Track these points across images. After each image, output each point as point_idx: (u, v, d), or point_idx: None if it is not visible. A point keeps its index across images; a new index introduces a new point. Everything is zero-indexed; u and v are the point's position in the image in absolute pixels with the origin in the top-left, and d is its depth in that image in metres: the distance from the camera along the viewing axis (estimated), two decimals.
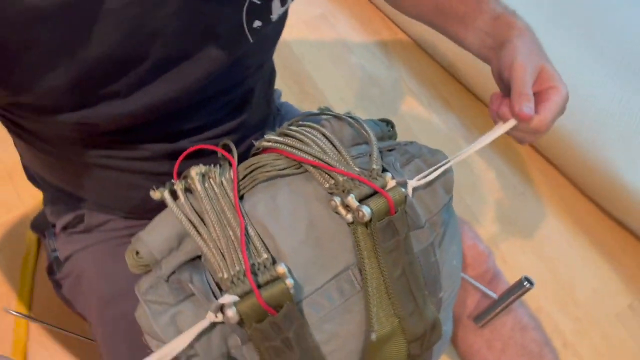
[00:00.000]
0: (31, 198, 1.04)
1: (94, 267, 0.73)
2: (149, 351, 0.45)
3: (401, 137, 0.63)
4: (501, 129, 0.60)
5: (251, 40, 0.57)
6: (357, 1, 1.48)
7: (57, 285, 0.79)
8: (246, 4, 0.53)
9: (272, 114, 0.82)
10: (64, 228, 0.77)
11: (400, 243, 0.51)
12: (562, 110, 0.59)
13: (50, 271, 0.80)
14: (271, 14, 0.58)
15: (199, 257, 0.47)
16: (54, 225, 0.79)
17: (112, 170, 0.65)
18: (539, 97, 0.57)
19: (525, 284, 0.71)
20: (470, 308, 0.78)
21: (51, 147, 0.63)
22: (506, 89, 0.60)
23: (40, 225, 0.82)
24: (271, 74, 0.78)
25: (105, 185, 0.68)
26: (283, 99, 0.95)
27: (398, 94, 1.35)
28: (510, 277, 0.76)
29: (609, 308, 1.17)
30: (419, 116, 1.33)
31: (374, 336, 0.49)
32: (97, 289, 0.71)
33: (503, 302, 0.73)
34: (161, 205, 0.50)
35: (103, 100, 0.51)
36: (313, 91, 1.29)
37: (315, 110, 0.62)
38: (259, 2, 0.55)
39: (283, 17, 0.64)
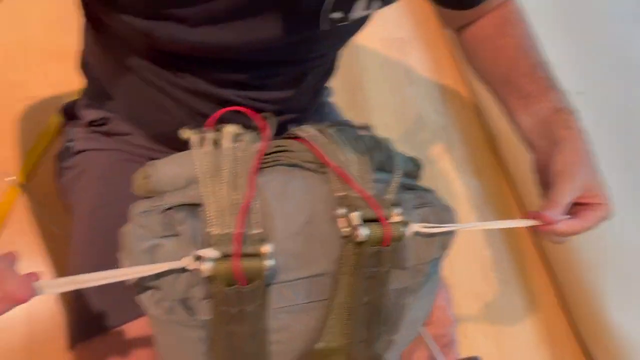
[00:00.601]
0: (68, 85, 1.07)
1: (101, 169, 0.76)
2: (116, 266, 0.47)
3: (422, 182, 0.65)
4: (520, 222, 0.61)
5: (323, 27, 0.58)
6: (436, 40, 1.50)
7: (60, 172, 0.82)
8: None
9: (315, 107, 0.84)
10: (89, 123, 0.79)
11: (379, 274, 0.52)
12: (595, 226, 0.60)
13: (59, 158, 0.83)
14: (351, 12, 0.59)
15: (198, 205, 0.49)
16: (80, 117, 0.82)
17: (154, 88, 0.67)
18: (582, 206, 0.59)
19: None
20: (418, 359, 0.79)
21: (114, 45, 0.66)
22: (542, 183, 0.62)
23: (69, 111, 0.85)
24: (330, 69, 0.80)
25: (142, 99, 0.70)
26: (331, 99, 0.97)
27: (436, 141, 1.37)
28: (464, 352, 0.77)
29: None
30: (446, 171, 1.34)
31: (320, 345, 0.51)
32: (95, 189, 0.73)
33: None
34: (182, 142, 0.53)
35: (171, 21, 0.53)
36: (362, 105, 1.31)
37: (366, 120, 0.64)
38: None
39: (362, 21, 0.65)
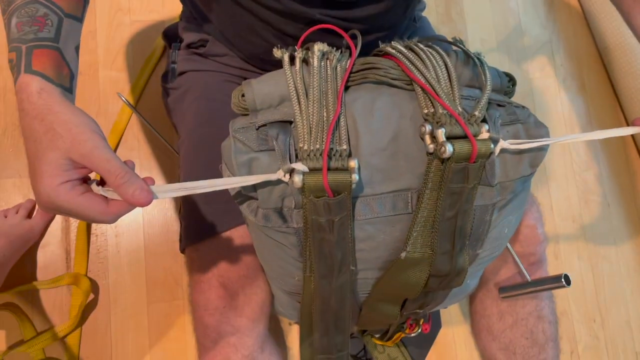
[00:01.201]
0: (170, 10, 1.12)
1: (201, 88, 0.81)
2: (218, 176, 0.51)
3: (518, 99, 0.63)
4: (622, 131, 0.58)
5: None
6: None
7: (166, 92, 0.88)
8: None
9: (406, 22, 0.82)
10: (188, 46, 0.84)
11: (464, 190, 0.53)
12: None
13: (165, 79, 0.89)
14: None
15: (290, 122, 0.52)
16: (181, 40, 0.86)
17: (244, 9, 0.69)
18: None
19: (562, 280, 0.72)
20: (501, 278, 0.80)
21: None
22: None
23: (170, 35, 0.90)
24: None
25: (234, 22, 0.73)
26: (424, 13, 0.94)
27: (538, 56, 1.28)
28: (553, 272, 0.77)
29: (633, 345, 1.16)
30: (547, 87, 1.26)
31: (403, 255, 0.54)
32: (197, 108, 0.78)
33: (533, 286, 0.75)
34: (272, 63, 0.54)
35: None
36: (457, 19, 1.25)
37: (448, 38, 0.63)
38: None
39: None
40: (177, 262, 0.99)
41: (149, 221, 1.00)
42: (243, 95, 0.53)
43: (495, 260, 0.74)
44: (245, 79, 0.81)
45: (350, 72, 0.54)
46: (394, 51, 0.57)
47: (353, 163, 0.48)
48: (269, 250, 0.57)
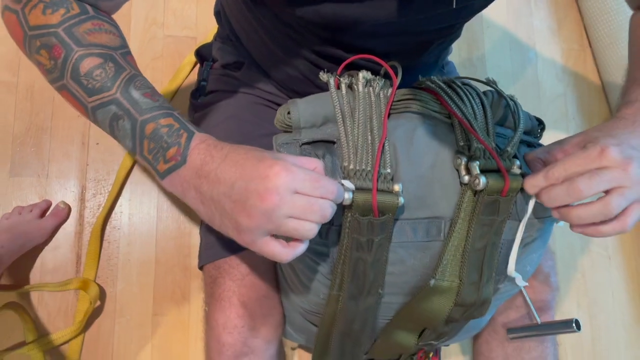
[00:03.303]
0: (204, 29, 1.15)
1: (232, 108, 0.82)
2: None
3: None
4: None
5: (454, 6, 0.59)
6: (567, 9, 1.42)
7: (193, 108, 0.90)
8: None
9: (435, 70, 0.85)
10: (223, 66, 0.86)
11: (495, 223, 0.55)
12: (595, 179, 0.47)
13: (194, 95, 0.91)
14: None
15: (332, 142, 0.54)
16: (214, 60, 0.89)
17: (286, 47, 0.71)
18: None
19: (573, 325, 0.73)
20: (510, 319, 0.81)
21: (255, 4, 0.70)
22: None
23: (203, 54, 0.92)
24: (455, 36, 0.80)
25: (273, 55, 0.75)
26: (449, 57, 0.97)
27: (552, 107, 1.32)
28: (556, 318, 0.78)
29: None
30: (557, 138, 1.30)
31: (432, 282, 0.55)
32: (227, 127, 0.80)
33: (543, 330, 0.76)
34: (303, 93, 0.55)
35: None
36: (478, 64, 1.29)
37: (482, 79, 0.65)
38: None
39: None
40: (186, 276, 0.99)
41: (163, 232, 1.01)
42: (289, 113, 0.55)
43: (505, 301, 0.75)
44: (275, 103, 0.84)
45: (394, 100, 0.56)
46: (433, 85, 0.59)
47: (397, 187, 0.50)
48: (298, 265, 0.57)
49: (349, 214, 0.49)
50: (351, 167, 0.50)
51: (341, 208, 0.50)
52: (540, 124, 0.65)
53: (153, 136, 0.47)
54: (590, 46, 1.39)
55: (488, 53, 1.30)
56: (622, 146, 0.48)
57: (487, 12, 1.33)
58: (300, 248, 0.45)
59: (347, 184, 0.48)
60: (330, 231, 0.52)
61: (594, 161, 0.47)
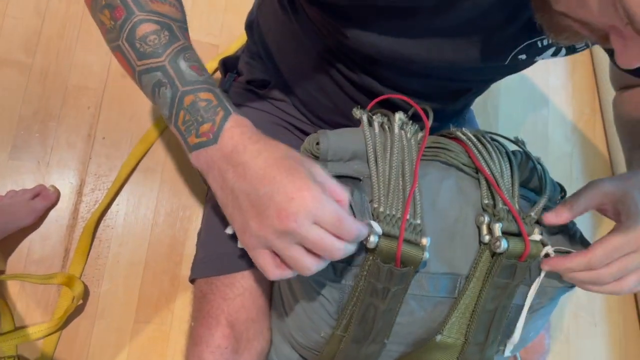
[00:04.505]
0: (227, 38, 1.14)
1: None
2: None
3: None
4: None
5: (505, 63, 0.59)
6: (582, 65, 1.44)
7: None
8: (532, 41, 0.55)
9: (460, 118, 0.86)
10: (248, 82, 0.85)
11: (509, 287, 0.54)
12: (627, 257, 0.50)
13: None
14: (537, 57, 0.59)
15: (359, 180, 0.53)
16: (238, 73, 0.87)
17: (324, 74, 0.70)
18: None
19: None
20: None
21: (299, 26, 0.69)
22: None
23: (228, 65, 0.91)
24: (485, 89, 0.81)
25: (308, 80, 0.74)
26: None
27: (557, 165, 1.33)
28: None
29: None
30: None
31: (439, 338, 0.53)
32: None
33: None
34: (328, 121, 0.53)
35: (375, 30, 0.56)
36: (491, 112, 1.29)
37: (512, 137, 0.65)
38: (540, 46, 0.56)
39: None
40: (174, 285, 0.96)
41: (157, 237, 0.98)
42: (317, 143, 0.54)
43: None
44: (297, 128, 0.82)
45: (424, 147, 0.55)
46: (464, 137, 0.58)
47: (425, 240, 0.48)
48: (304, 299, 0.56)
49: (371, 257, 0.48)
50: (381, 209, 0.48)
51: (362, 249, 0.48)
52: (562, 191, 0.64)
53: (190, 108, 0.46)
54: (601, 113, 1.41)
55: (503, 102, 1.30)
56: None
57: None
58: (290, 274, 0.44)
59: (376, 226, 0.46)
60: (345, 271, 0.50)
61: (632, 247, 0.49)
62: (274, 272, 0.44)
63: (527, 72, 1.37)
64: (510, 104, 1.31)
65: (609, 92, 1.35)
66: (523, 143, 0.64)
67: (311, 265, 0.42)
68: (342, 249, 0.42)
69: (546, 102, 1.37)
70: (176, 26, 0.49)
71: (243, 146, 0.45)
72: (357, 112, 0.56)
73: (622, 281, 0.51)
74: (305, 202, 0.41)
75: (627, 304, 1.29)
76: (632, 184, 0.53)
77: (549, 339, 0.80)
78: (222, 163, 0.45)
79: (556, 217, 0.54)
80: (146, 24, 0.47)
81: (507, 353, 0.61)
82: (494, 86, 1.34)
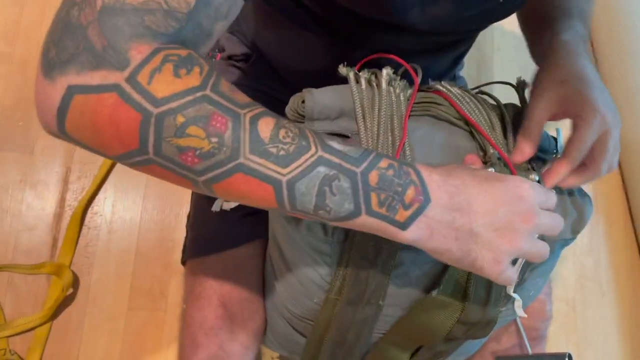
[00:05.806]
0: None
1: None
2: None
3: None
4: None
5: (500, 0, 0.56)
6: None
7: None
8: None
9: (449, 77, 0.83)
10: (229, 57, 0.83)
11: None
12: (600, 147, 0.51)
13: None
14: None
15: (347, 137, 0.51)
16: (220, 50, 0.85)
17: (315, 40, 0.67)
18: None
19: (566, 359, 0.71)
20: (501, 346, 0.78)
21: None
22: None
23: None
24: (472, 43, 0.79)
25: (295, 46, 0.71)
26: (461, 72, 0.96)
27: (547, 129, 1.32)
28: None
29: None
30: None
31: (434, 293, 0.52)
32: None
33: None
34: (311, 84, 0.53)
35: None
36: (485, 81, 1.28)
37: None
38: None
39: None
40: (166, 271, 0.95)
41: (147, 223, 0.97)
42: (303, 102, 0.52)
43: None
44: (280, 100, 0.80)
45: (413, 102, 0.53)
46: (444, 89, 0.56)
47: None
48: (296, 264, 0.54)
49: None
50: None
51: None
52: (556, 143, 0.63)
53: (382, 185, 0.39)
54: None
55: (497, 72, 1.29)
56: (604, 96, 0.51)
57: (499, 30, 1.33)
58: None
59: None
60: (336, 229, 0.48)
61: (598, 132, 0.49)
62: (514, 276, 0.44)
63: (521, 38, 1.36)
64: (505, 72, 1.30)
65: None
66: (524, 83, 0.62)
67: (547, 251, 0.45)
68: (562, 221, 0.46)
69: None
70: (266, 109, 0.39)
71: (454, 186, 0.41)
72: (343, 70, 0.54)
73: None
74: (529, 194, 0.43)
75: (635, 272, 1.27)
76: (560, 73, 0.53)
77: (551, 305, 0.78)
78: (444, 216, 0.40)
79: (521, 154, 0.52)
80: (262, 120, 0.37)
81: (507, 312, 0.60)
82: (488, 55, 1.33)
